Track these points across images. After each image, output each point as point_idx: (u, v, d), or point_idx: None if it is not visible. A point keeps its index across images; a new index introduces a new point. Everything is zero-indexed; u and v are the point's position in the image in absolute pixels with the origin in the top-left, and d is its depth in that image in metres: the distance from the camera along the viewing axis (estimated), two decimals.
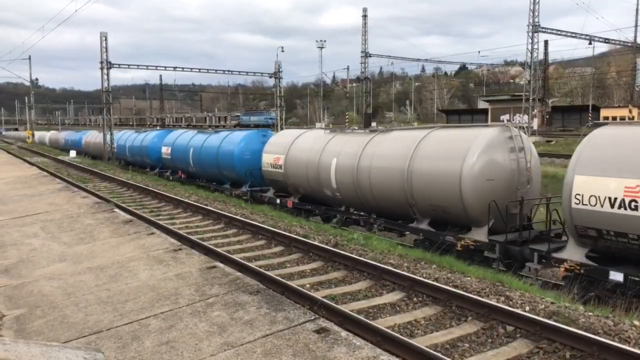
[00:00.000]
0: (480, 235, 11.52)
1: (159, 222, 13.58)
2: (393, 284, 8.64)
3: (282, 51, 67.76)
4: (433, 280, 8.51)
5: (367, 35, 54.28)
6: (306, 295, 7.70)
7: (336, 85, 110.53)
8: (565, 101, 76.91)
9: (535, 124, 45.12)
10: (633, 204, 8.67)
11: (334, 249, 10.50)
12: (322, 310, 7.06)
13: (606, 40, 48.45)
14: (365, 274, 9.23)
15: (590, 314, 7.12)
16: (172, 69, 44.98)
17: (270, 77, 47.19)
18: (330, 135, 16.77)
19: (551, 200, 11.65)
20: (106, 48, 36.01)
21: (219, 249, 10.64)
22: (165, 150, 28.53)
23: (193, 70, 49.95)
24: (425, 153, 12.63)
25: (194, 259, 8.35)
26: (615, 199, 8.89)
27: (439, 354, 5.88)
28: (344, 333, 5.33)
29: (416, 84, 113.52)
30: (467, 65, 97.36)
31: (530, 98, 41.83)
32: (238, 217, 14.03)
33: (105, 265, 8.33)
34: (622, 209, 8.79)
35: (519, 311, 7.04)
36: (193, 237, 11.82)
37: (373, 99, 72.05)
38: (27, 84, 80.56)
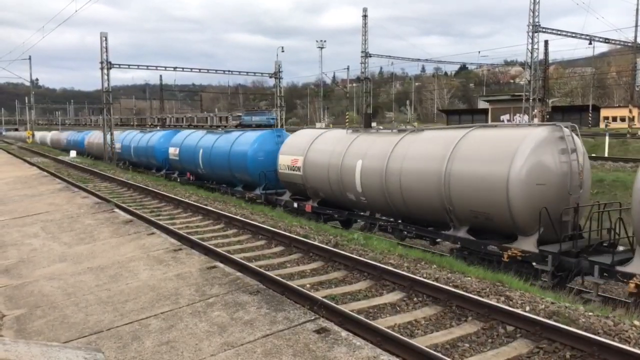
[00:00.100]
0: (528, 245, 10.61)
1: (159, 222, 13.59)
2: (393, 284, 8.64)
3: (282, 51, 67.81)
4: (433, 280, 8.51)
5: (367, 35, 54.27)
6: (306, 295, 7.70)
7: (336, 85, 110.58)
8: (565, 101, 76.95)
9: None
10: None
11: (334, 249, 10.51)
12: (322, 310, 7.07)
13: (606, 40, 48.41)
14: (365, 274, 9.23)
15: (590, 314, 7.12)
16: (172, 69, 44.99)
17: (271, 77, 47.19)
18: (353, 136, 15.79)
19: (607, 207, 10.67)
20: (106, 48, 36.02)
21: (219, 249, 10.64)
22: (173, 151, 27.50)
23: (193, 70, 50.02)
24: (465, 155, 11.72)
25: (194, 259, 8.35)
26: None
27: (439, 354, 5.88)
28: (344, 333, 5.33)
29: (416, 84, 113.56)
30: (467, 65, 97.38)
31: (531, 98, 41.81)
32: (238, 217, 14.03)
33: (106, 265, 8.34)
34: None
35: (519, 311, 7.04)
36: (193, 237, 11.82)
37: (373, 99, 72.05)
38: (27, 84, 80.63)
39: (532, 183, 10.56)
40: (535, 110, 42.77)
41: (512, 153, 10.74)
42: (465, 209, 11.60)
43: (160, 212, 16.48)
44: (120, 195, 20.09)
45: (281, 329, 5.44)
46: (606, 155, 30.36)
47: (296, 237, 11.65)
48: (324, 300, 7.49)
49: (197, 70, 47.63)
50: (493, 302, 7.39)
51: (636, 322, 6.90)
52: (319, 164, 16.38)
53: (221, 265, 8.03)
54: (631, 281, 8.71)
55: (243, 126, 57.33)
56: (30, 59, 70.37)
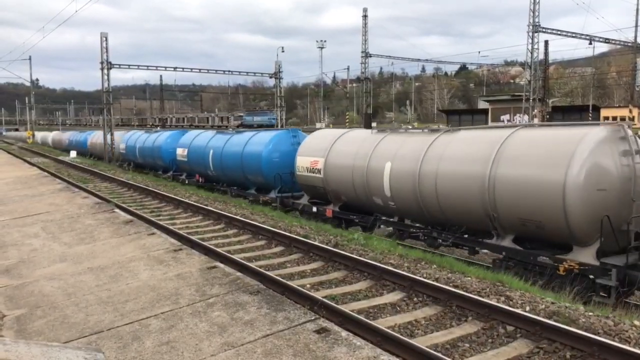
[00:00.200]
0: (586, 256, 9.62)
1: (159, 222, 13.60)
2: (393, 284, 8.64)
3: (283, 51, 67.95)
4: (433, 280, 8.52)
5: (367, 36, 54.34)
6: (306, 296, 7.71)
7: (336, 86, 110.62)
8: (565, 101, 76.92)
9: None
10: None
11: (334, 249, 10.51)
12: (323, 310, 7.07)
13: (606, 40, 48.47)
14: (365, 274, 9.23)
15: (590, 314, 7.12)
16: (172, 69, 45.09)
17: (271, 77, 47.22)
18: (379, 136, 14.72)
19: None
20: (106, 48, 36.06)
21: (219, 249, 10.65)
22: (181, 152, 26.32)
23: (193, 70, 50.12)
24: (513, 157, 10.73)
25: (195, 259, 8.36)
26: None
27: (439, 354, 5.89)
28: (344, 333, 5.34)
29: (416, 84, 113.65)
30: (467, 66, 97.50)
31: (531, 98, 41.84)
32: (238, 217, 14.04)
33: (106, 265, 8.34)
34: None
35: (519, 311, 7.05)
36: (193, 237, 11.83)
37: (373, 99, 72.09)
38: (28, 84, 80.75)
39: (592, 189, 9.60)
40: (536, 110, 42.79)
41: (569, 155, 9.74)
42: (512, 216, 10.60)
43: (161, 212, 16.49)
44: (120, 196, 20.10)
45: (281, 329, 5.44)
46: None
47: (296, 237, 11.66)
48: (324, 300, 7.49)
49: (197, 71, 47.79)
50: (493, 302, 7.39)
51: (636, 322, 6.90)
52: (342, 166, 15.35)
53: (221, 265, 8.03)
54: None
55: (244, 126, 57.28)
56: (30, 59, 70.61)
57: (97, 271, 8.03)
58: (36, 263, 8.76)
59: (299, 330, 5.40)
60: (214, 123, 74.21)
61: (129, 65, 39.37)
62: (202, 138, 25.09)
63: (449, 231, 12.21)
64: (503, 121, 55.28)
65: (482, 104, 73.18)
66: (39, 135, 76.93)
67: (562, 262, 9.73)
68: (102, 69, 36.45)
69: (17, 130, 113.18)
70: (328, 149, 16.08)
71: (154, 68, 48.88)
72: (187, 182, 25.45)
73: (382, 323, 7.03)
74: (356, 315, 7.02)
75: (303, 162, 17.08)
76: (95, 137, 45.66)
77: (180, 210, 16.64)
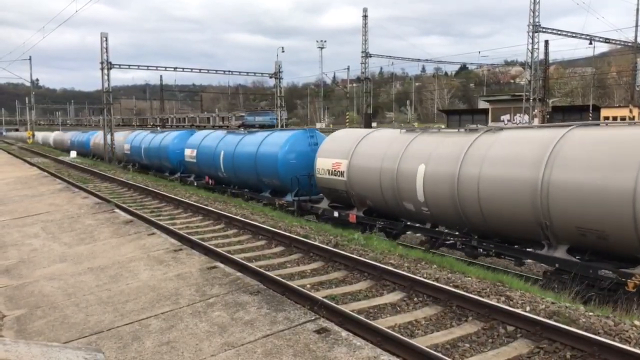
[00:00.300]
0: None
1: (159, 222, 13.60)
2: (393, 284, 8.64)
3: (283, 51, 68.00)
4: (433, 281, 8.52)
5: (367, 36, 54.36)
6: (306, 296, 7.70)
7: (336, 86, 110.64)
8: (565, 101, 76.92)
9: (536, 124, 45.15)
10: None
11: (335, 249, 10.51)
12: (323, 310, 7.07)
13: (606, 40, 48.48)
14: (365, 274, 9.23)
15: (590, 314, 7.12)
16: (173, 69, 45.12)
17: (271, 77, 47.23)
18: (409, 136, 13.73)
19: None
20: (106, 48, 36.07)
21: (219, 249, 10.65)
22: (190, 153, 25.30)
23: (193, 70, 50.21)
24: (569, 159, 9.80)
25: (195, 259, 8.36)
26: None
27: (439, 354, 5.88)
28: (344, 333, 5.34)
29: (416, 84, 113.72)
30: (467, 66, 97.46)
31: (531, 98, 41.85)
32: (238, 218, 14.04)
33: (106, 265, 8.34)
34: None
35: (519, 311, 7.04)
36: (193, 238, 11.83)
37: (373, 99, 72.13)
38: (28, 84, 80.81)
39: None
40: (536, 110, 42.80)
41: (639, 159, 8.82)
42: (568, 224, 9.64)
43: (161, 212, 16.49)
44: (120, 196, 20.11)
45: (281, 329, 5.44)
46: None
47: (296, 237, 11.66)
48: (324, 300, 7.49)
49: (197, 71, 47.82)
50: (493, 302, 7.39)
51: (637, 322, 6.90)
52: (367, 168, 14.34)
53: (221, 265, 8.04)
54: None
55: (246, 126, 57.22)
56: (30, 59, 70.62)
57: (97, 271, 8.03)
58: (36, 263, 8.76)
59: (299, 330, 5.40)
60: (215, 123, 74.24)
61: (129, 66, 39.39)
62: (212, 138, 24.03)
63: (487, 239, 11.41)
64: (503, 121, 55.29)
65: (482, 104, 73.17)
66: (40, 135, 76.59)
67: (630, 276, 8.75)
68: (102, 69, 36.46)
69: (17, 130, 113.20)
70: (352, 150, 15.12)
71: (154, 68, 48.92)
72: (195, 184, 24.65)
73: (382, 323, 7.03)
74: (356, 315, 7.02)
75: (324, 164, 16.08)
76: (98, 138, 44.41)
77: (180, 210, 16.64)
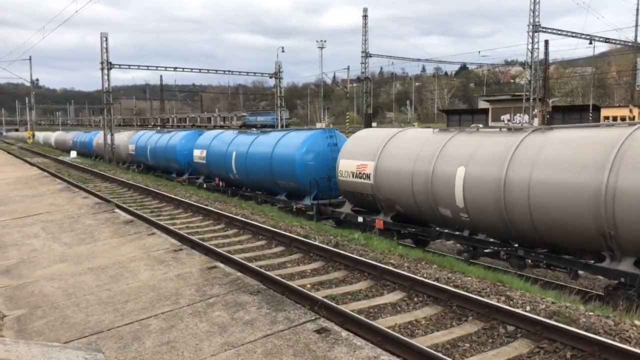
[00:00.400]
0: None
1: (159, 222, 13.61)
2: (394, 284, 8.64)
3: (283, 51, 67.83)
4: (434, 280, 8.51)
5: (367, 35, 54.41)
6: (307, 296, 7.70)
7: (336, 86, 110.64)
8: (565, 101, 76.91)
9: (535, 124, 45.18)
10: None
11: (335, 249, 10.51)
12: (323, 310, 7.07)
13: (606, 40, 48.51)
14: (365, 274, 9.23)
15: (591, 313, 7.12)
16: (173, 69, 45.12)
17: (271, 77, 47.22)
18: (444, 136, 12.80)
19: None
20: (106, 48, 36.07)
21: (219, 249, 10.65)
22: (199, 154, 24.39)
23: (193, 70, 50.20)
24: None
25: (195, 259, 8.36)
26: None
27: (439, 354, 5.88)
28: (344, 333, 5.34)
29: (417, 84, 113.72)
30: (467, 65, 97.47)
31: (531, 98, 41.87)
32: (238, 217, 14.04)
33: (106, 265, 8.34)
34: None
35: (519, 311, 7.04)
36: (194, 238, 11.83)
37: (373, 99, 72.17)
38: (28, 84, 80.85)
39: None
40: (536, 110, 42.81)
41: None
42: (638, 235, 8.76)
43: (161, 212, 16.49)
44: (120, 196, 20.11)
45: (282, 329, 5.44)
46: None
47: (297, 237, 11.65)
48: (325, 300, 7.49)
49: (197, 71, 47.79)
50: (494, 302, 7.39)
51: (637, 322, 6.90)
52: (398, 171, 13.30)
53: (221, 265, 8.04)
54: None
55: (247, 126, 57.23)
56: (30, 59, 70.68)
57: (98, 271, 8.03)
58: (36, 263, 8.76)
59: (299, 330, 5.40)
60: (216, 123, 74.31)
61: (129, 66, 39.39)
62: (223, 139, 23.05)
63: (533, 248, 10.59)
64: (503, 121, 55.25)
65: (482, 104, 73.16)
66: (41, 135, 76.14)
67: None
68: (102, 69, 36.47)
69: (17, 130, 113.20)
70: (379, 151, 14.09)
71: (154, 68, 48.90)
72: (204, 186, 23.85)
73: (383, 323, 7.03)
74: (356, 315, 7.02)
75: (347, 166, 15.08)
76: (101, 138, 42.73)
77: (180, 210, 16.64)
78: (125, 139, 36.04)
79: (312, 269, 9.87)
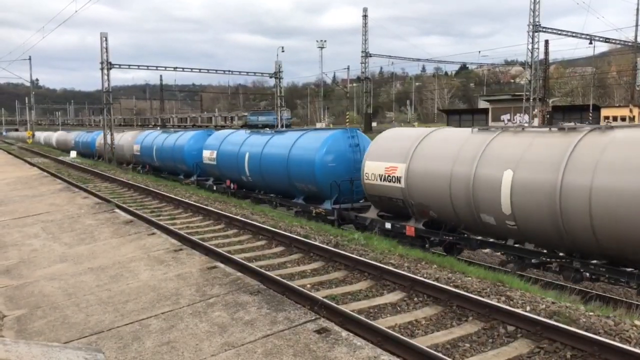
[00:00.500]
0: None
1: (159, 222, 13.60)
2: (394, 284, 8.64)
3: (283, 51, 67.77)
4: (434, 280, 8.51)
5: (367, 35, 54.47)
6: (307, 296, 7.70)
7: (336, 85, 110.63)
8: (565, 101, 76.88)
9: (536, 123, 45.19)
10: None
11: (335, 249, 10.51)
12: (323, 310, 7.07)
13: (607, 40, 48.55)
14: (366, 274, 9.23)
15: (591, 313, 7.12)
16: (173, 69, 45.12)
17: (271, 77, 47.23)
18: (486, 136, 11.79)
19: None
20: (106, 48, 36.07)
21: (219, 249, 10.65)
22: (209, 155, 23.44)
23: (193, 70, 50.27)
24: None
25: (195, 259, 8.36)
26: None
27: (439, 354, 5.88)
28: (344, 333, 5.34)
29: (417, 83, 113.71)
30: (467, 65, 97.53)
31: (531, 98, 41.88)
32: (238, 218, 14.04)
33: (106, 265, 8.34)
34: None
35: (519, 311, 7.04)
36: (194, 238, 11.83)
37: (373, 99, 72.18)
38: (28, 84, 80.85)
39: None
40: (536, 110, 42.81)
41: None
42: None
43: (161, 212, 16.49)
44: (120, 196, 20.10)
45: (282, 329, 5.44)
46: None
47: (297, 237, 11.65)
48: (325, 300, 7.49)
49: (198, 71, 47.82)
50: (494, 302, 7.38)
51: (637, 322, 6.89)
52: (433, 173, 12.39)
53: (222, 265, 8.04)
54: None
55: (249, 126, 57.15)
56: (30, 59, 70.70)
57: (98, 271, 8.03)
58: (36, 263, 8.76)
59: (300, 330, 5.40)
60: (216, 123, 74.31)
61: (129, 66, 39.40)
62: (235, 139, 22.07)
63: (592, 260, 9.79)
64: (503, 121, 55.27)
65: (482, 104, 73.16)
66: (42, 135, 75.76)
67: None
68: (102, 69, 36.47)
69: (17, 130, 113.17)
70: (411, 152, 13.10)
71: (154, 68, 48.98)
72: (214, 188, 23.03)
73: (383, 323, 7.03)
74: (356, 315, 7.01)
75: (374, 168, 14.03)
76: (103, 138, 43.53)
77: (180, 210, 16.64)
78: (130, 139, 35.45)
79: (312, 269, 9.87)
